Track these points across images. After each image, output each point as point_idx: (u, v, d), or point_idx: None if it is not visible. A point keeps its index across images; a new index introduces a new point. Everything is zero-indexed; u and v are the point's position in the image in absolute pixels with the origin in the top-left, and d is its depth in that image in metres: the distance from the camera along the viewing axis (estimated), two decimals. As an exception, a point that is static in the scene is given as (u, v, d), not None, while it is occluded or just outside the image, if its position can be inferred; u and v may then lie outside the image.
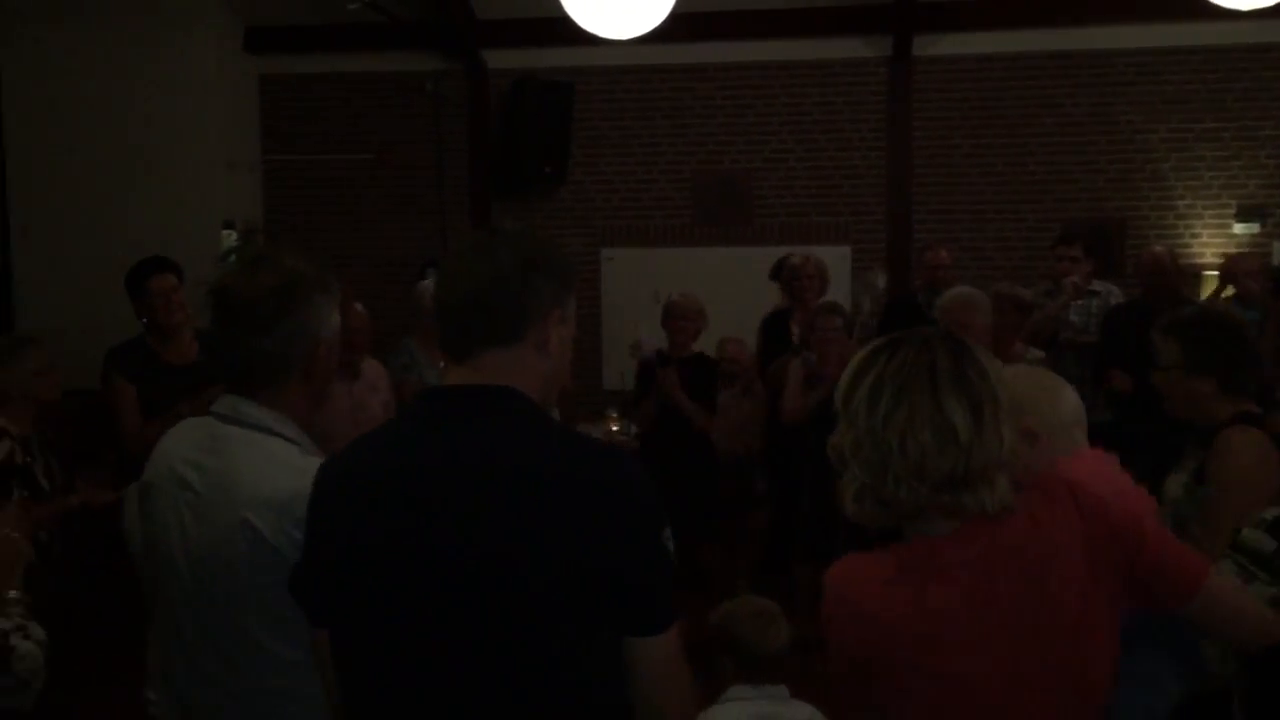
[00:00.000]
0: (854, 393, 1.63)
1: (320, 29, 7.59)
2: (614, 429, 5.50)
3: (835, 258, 6.73)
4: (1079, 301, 5.93)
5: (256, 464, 1.84)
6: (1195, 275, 6.94)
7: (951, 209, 7.51)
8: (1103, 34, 7.20)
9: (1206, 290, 6.67)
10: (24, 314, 6.94)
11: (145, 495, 1.99)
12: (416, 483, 1.55)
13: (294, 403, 1.93)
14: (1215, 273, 6.61)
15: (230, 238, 7.13)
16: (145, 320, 4.27)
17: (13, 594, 2.16)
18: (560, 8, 4.71)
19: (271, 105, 7.87)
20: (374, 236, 7.80)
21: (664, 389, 5.20)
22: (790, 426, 5.05)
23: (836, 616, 1.65)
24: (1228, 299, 6.05)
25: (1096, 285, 6.03)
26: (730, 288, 5.99)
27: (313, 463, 1.81)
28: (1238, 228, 7.26)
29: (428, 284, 5.36)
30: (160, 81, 6.99)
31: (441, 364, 5.04)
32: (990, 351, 1.72)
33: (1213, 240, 7.30)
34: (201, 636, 1.87)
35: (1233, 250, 6.97)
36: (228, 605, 1.82)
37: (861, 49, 7.50)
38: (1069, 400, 2.08)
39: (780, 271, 6.12)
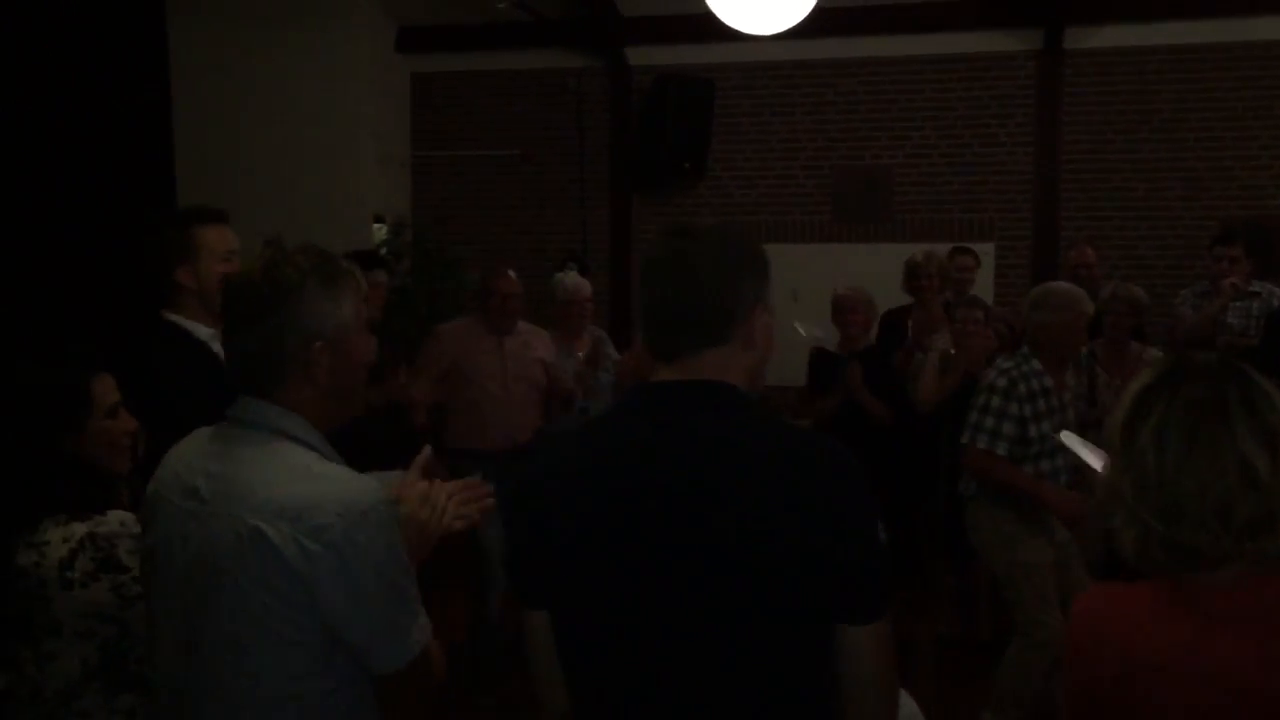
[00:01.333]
0: (1135, 432, 1.53)
1: (468, 29, 7.80)
2: None
3: (979, 255, 6.59)
4: (1238, 303, 5.69)
5: (268, 470, 1.73)
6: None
7: (1101, 207, 7.29)
8: (1266, 25, 6.87)
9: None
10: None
11: (150, 506, 1.88)
12: (642, 470, 1.60)
13: (308, 403, 1.80)
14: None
15: (380, 231, 7.37)
16: None
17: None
18: (703, 4, 4.75)
19: (421, 102, 8.11)
20: (516, 230, 7.98)
21: (851, 385, 5.18)
22: (924, 416, 5.04)
23: (1086, 648, 1.59)
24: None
25: (1256, 286, 5.77)
26: (869, 285, 5.92)
27: (330, 469, 1.76)
28: None
29: (563, 276, 5.48)
30: (317, 79, 7.27)
31: (580, 354, 5.19)
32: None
33: (1386, 240, 6.91)
34: (200, 662, 1.75)
35: None
36: (229, 626, 1.71)
37: (1010, 43, 7.33)
38: None
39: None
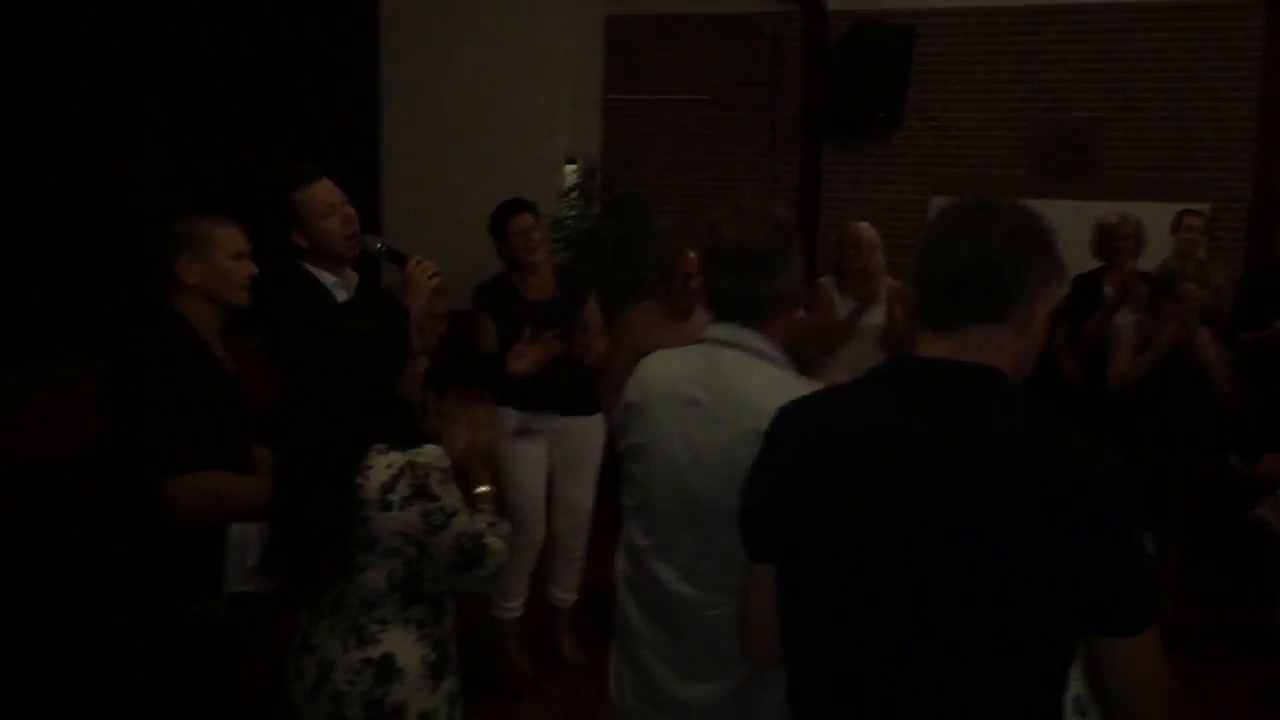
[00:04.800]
0: None
1: (665, -29, 7.76)
2: None
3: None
4: None
5: (762, 383, 2.13)
6: None
7: (1332, 167, 6.79)
8: None
9: None
10: (391, 239, 7.54)
11: (637, 415, 2.30)
12: (897, 448, 1.58)
13: (777, 332, 2.23)
14: None
15: (571, 173, 7.47)
16: (507, 258, 4.47)
17: (485, 489, 2.57)
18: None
19: (614, 45, 8.14)
20: (706, 177, 7.96)
21: (1056, 345, 5.01)
22: (1118, 392, 4.85)
23: None
24: None
25: None
26: (1071, 245, 5.68)
27: (806, 383, 2.17)
28: None
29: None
30: (515, 20, 7.35)
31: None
32: None
33: None
34: (697, 534, 2.18)
35: None
36: (730, 504, 1.93)
37: (1238, -10, 6.87)
38: None
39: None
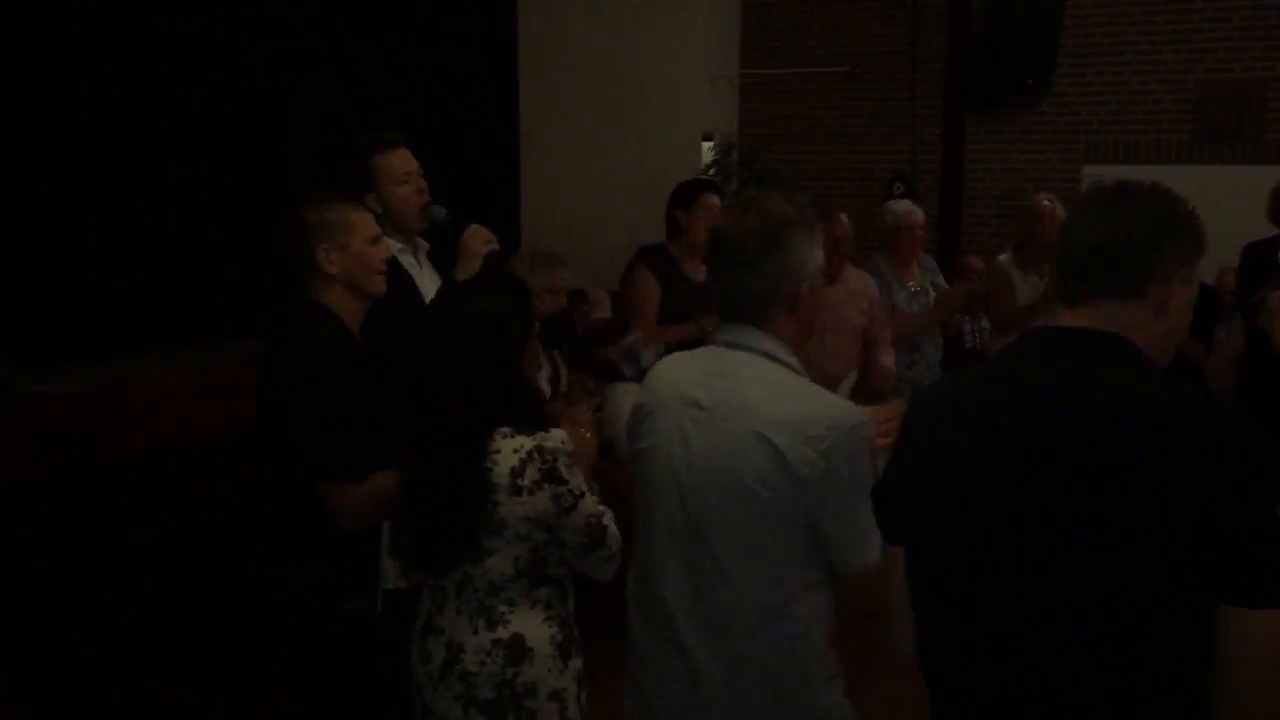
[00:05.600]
0: None
1: (802, -58, 7.64)
2: None
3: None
4: None
5: (767, 387, 2.03)
6: None
7: None
8: None
9: None
10: (528, 217, 7.68)
11: (644, 418, 2.21)
12: (1024, 427, 1.57)
13: (787, 332, 2.11)
14: None
15: (709, 150, 7.44)
16: (686, 229, 4.39)
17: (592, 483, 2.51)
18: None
19: (751, 19, 8.05)
20: (844, 150, 7.83)
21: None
22: (1268, 363, 4.60)
23: None
24: None
25: None
26: (1233, 212, 5.39)
27: (817, 390, 2.06)
28: None
29: (894, 205, 5.31)
30: (652, -3, 7.37)
31: (911, 285, 5.03)
32: None
33: None
34: (695, 547, 2.07)
35: None
36: (729, 514, 2.01)
37: None
38: None
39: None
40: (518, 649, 2.32)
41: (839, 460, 1.97)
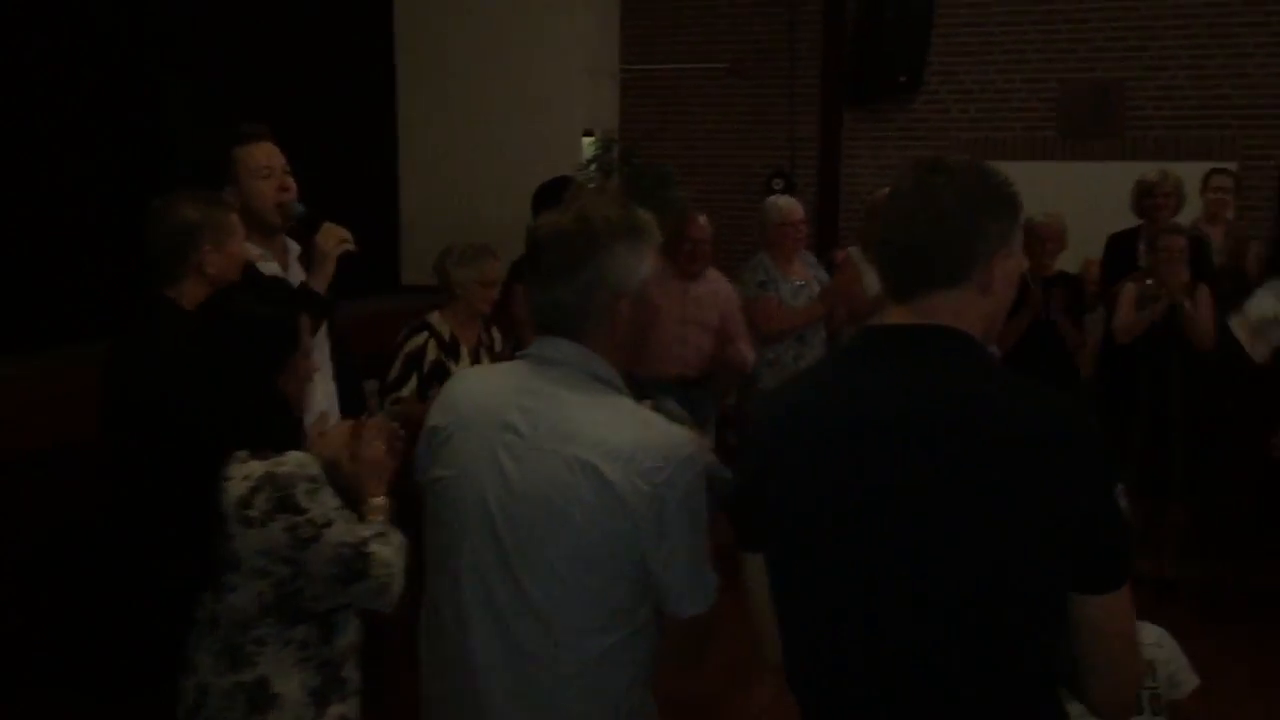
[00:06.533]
0: None
1: (680, -63, 7.66)
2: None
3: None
4: None
5: (594, 412, 1.80)
6: None
7: (1364, 124, 6.65)
8: None
9: None
10: (407, 214, 7.54)
11: (443, 442, 1.90)
12: (866, 423, 1.55)
13: (608, 349, 1.86)
14: None
15: (590, 145, 7.42)
16: None
17: (378, 500, 2.28)
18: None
19: (630, 14, 8.05)
20: (724, 146, 7.89)
21: (1050, 310, 4.99)
22: (1122, 349, 4.96)
23: None
24: None
25: None
26: (1095, 206, 5.62)
27: (651, 416, 1.84)
28: None
29: (774, 200, 5.38)
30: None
31: (795, 279, 5.17)
32: None
33: None
34: (508, 590, 1.81)
35: None
36: (548, 553, 1.77)
37: (1268, -58, 6.71)
38: None
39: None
40: (260, 695, 2.11)
41: (676, 495, 1.75)
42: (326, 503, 2.11)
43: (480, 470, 1.83)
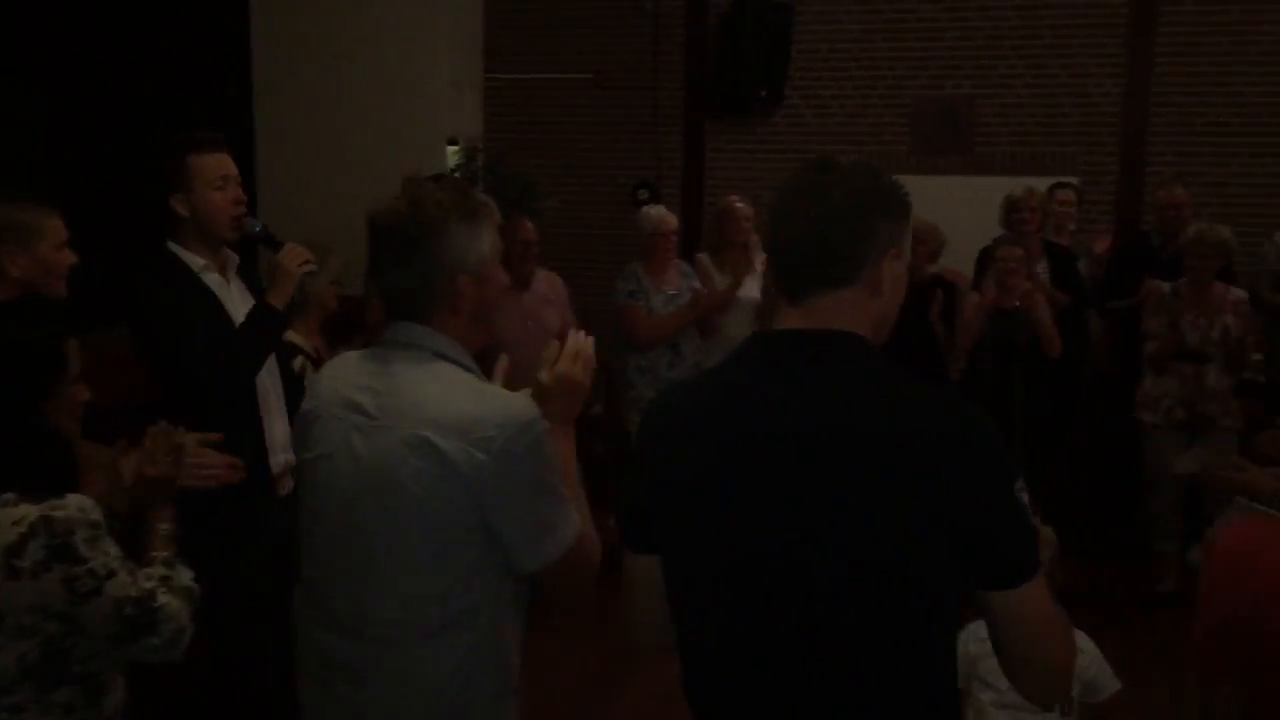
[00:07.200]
0: None
1: (543, -53, 7.65)
2: None
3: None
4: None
5: (432, 386, 1.89)
6: None
7: (1192, 142, 7.05)
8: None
9: None
10: (269, 222, 7.30)
11: (309, 426, 2.02)
12: (769, 432, 1.56)
13: (455, 328, 1.96)
14: None
15: (453, 155, 7.33)
16: None
17: (166, 527, 2.16)
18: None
19: (494, 24, 7.98)
20: (589, 156, 7.89)
21: (927, 312, 5.15)
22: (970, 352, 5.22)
23: (1234, 578, 1.61)
24: None
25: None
26: (947, 218, 5.82)
27: (488, 387, 1.96)
28: None
29: (649, 211, 5.42)
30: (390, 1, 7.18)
31: (668, 289, 5.24)
32: None
33: None
34: (360, 562, 1.92)
35: None
36: (394, 527, 1.87)
37: (1104, -32, 7.07)
38: None
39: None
40: None
41: (510, 461, 1.85)
42: (109, 551, 1.93)
43: (335, 449, 1.94)
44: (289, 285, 3.09)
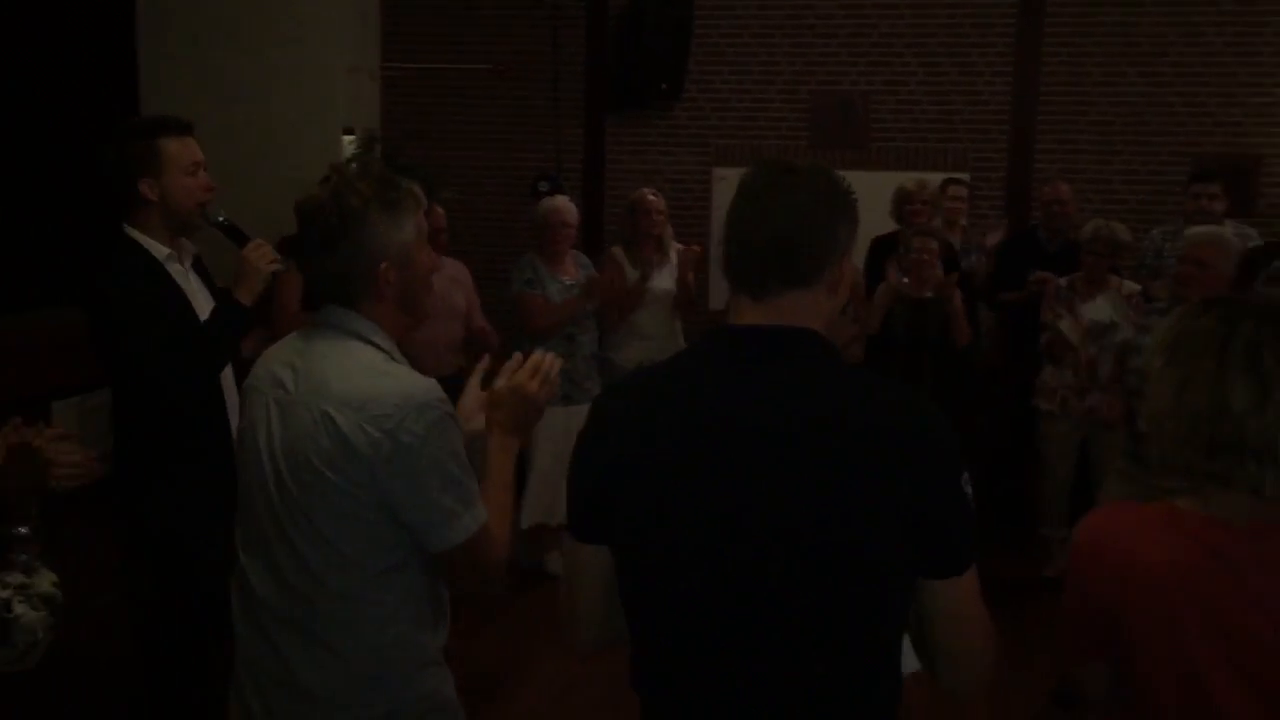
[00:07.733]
0: (1159, 350, 1.69)
1: (441, -64, 7.57)
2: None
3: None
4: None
5: (341, 364, 1.98)
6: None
7: (1077, 140, 7.28)
8: (1252, -40, 6.84)
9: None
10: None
11: (246, 396, 2.15)
12: (719, 423, 1.57)
13: (381, 313, 2.05)
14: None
15: (350, 144, 7.21)
16: None
17: (23, 530, 2.04)
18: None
19: (392, 12, 7.88)
20: (489, 148, 7.84)
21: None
22: (874, 342, 5.29)
23: (1095, 561, 1.67)
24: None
25: (1231, 226, 5.80)
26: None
27: (395, 368, 2.01)
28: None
29: (549, 201, 5.41)
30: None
31: (564, 278, 5.24)
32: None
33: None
34: (277, 531, 2.01)
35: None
36: (303, 499, 1.96)
37: (993, -31, 7.25)
38: None
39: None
40: None
41: (408, 439, 1.90)
42: None
43: (258, 421, 2.05)
44: (257, 283, 3.02)
